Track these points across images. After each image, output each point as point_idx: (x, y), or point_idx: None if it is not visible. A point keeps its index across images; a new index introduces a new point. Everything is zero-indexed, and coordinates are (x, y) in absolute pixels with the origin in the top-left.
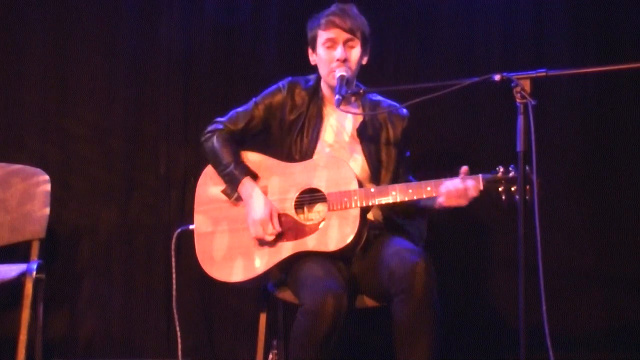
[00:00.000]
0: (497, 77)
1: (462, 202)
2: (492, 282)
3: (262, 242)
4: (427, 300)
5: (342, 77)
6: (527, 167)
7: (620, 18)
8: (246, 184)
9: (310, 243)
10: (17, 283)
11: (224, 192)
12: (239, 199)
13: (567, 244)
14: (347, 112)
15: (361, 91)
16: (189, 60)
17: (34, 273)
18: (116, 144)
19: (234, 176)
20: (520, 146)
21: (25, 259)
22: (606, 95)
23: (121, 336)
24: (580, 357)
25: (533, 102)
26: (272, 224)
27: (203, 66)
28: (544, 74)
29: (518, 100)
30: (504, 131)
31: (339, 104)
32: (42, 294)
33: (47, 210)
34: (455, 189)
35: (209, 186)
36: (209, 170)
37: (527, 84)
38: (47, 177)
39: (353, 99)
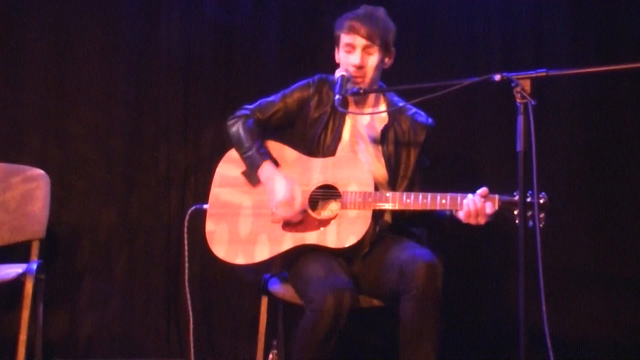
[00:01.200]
0: (497, 77)
1: (480, 221)
2: (492, 282)
3: (288, 223)
4: (436, 301)
5: (342, 76)
6: (543, 194)
7: (620, 18)
8: (266, 168)
9: (314, 237)
10: (17, 283)
11: (243, 173)
12: (257, 182)
13: (567, 244)
14: (348, 112)
15: (361, 91)
16: (189, 60)
17: (34, 273)
18: (116, 144)
19: (255, 159)
20: (520, 146)
21: (25, 259)
22: (606, 95)
23: (121, 336)
24: (580, 357)
25: (533, 102)
26: (296, 203)
27: (203, 66)
28: (544, 74)
29: (518, 100)
30: (504, 131)
31: (339, 103)
32: (42, 294)
33: (47, 210)
34: (474, 208)
35: (228, 169)
36: (231, 154)
37: (527, 84)
38: (47, 177)
39: (375, 100)
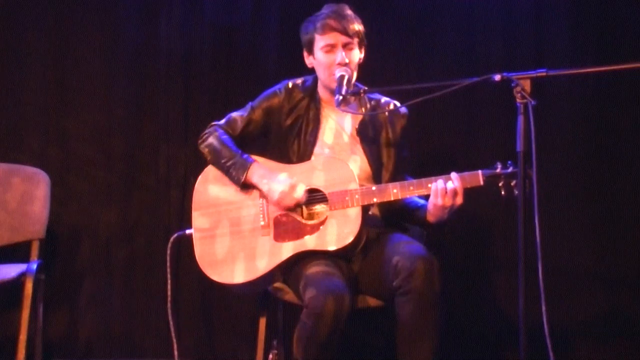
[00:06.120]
0: (497, 77)
1: (447, 203)
2: (492, 282)
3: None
4: (432, 298)
5: (342, 77)
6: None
7: (620, 18)
8: (256, 168)
9: (311, 243)
10: (17, 283)
11: (231, 179)
12: (246, 185)
13: (567, 244)
14: (347, 112)
15: (361, 91)
16: (189, 60)
17: (34, 273)
18: (116, 144)
19: (242, 164)
20: (520, 146)
21: (25, 259)
22: (606, 95)
23: (121, 336)
24: (580, 357)
25: (533, 102)
26: (298, 190)
27: (203, 66)
28: (544, 74)
29: (518, 100)
30: (504, 131)
31: (339, 104)
32: (42, 294)
33: (47, 210)
34: (443, 187)
35: (208, 189)
36: (207, 173)
37: (527, 84)
38: (47, 177)
39: (352, 99)
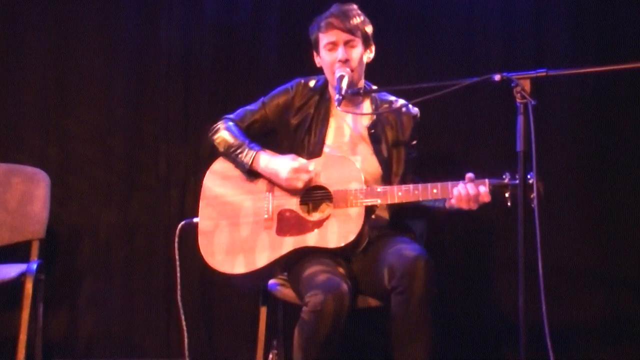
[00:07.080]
0: (497, 77)
1: (473, 206)
2: (492, 282)
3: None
4: (428, 297)
5: (341, 77)
6: (530, 175)
7: (620, 18)
8: (262, 156)
9: (312, 239)
10: (17, 283)
11: (238, 165)
12: (255, 176)
13: (567, 244)
14: (348, 112)
15: (361, 91)
16: (189, 60)
17: (34, 273)
18: (116, 144)
19: (248, 152)
20: (520, 146)
21: (25, 259)
22: (606, 95)
23: (121, 336)
24: (580, 357)
25: (533, 102)
26: (304, 168)
27: (203, 66)
28: (544, 74)
29: (518, 100)
30: (504, 131)
31: (339, 103)
32: (42, 294)
33: (47, 210)
34: (466, 193)
35: (216, 181)
36: (216, 166)
37: (527, 84)
38: (47, 177)
39: (361, 98)
